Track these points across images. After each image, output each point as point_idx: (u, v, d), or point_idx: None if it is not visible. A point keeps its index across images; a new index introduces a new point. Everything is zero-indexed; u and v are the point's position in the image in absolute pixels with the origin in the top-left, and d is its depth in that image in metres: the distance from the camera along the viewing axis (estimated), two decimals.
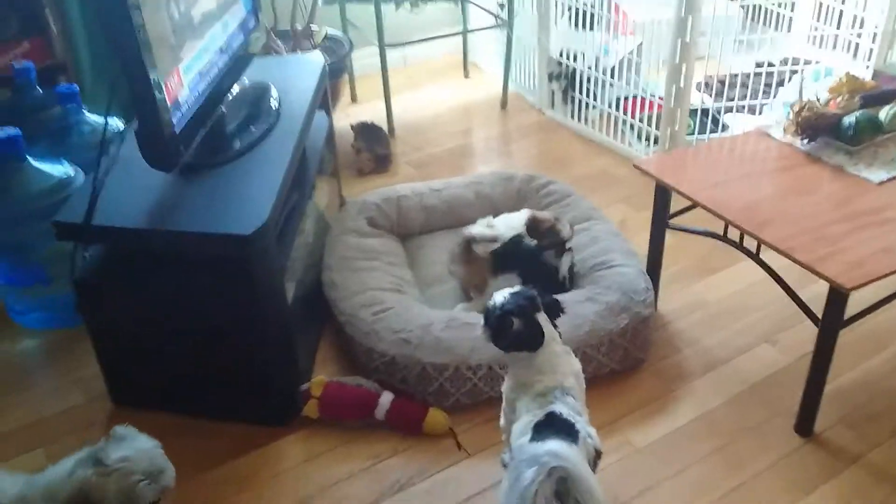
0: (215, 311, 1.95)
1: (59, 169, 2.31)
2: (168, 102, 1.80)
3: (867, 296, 1.96)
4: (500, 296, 1.71)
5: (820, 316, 1.92)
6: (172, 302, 1.96)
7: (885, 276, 1.80)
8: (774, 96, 3.25)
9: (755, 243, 2.09)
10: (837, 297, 1.83)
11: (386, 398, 2.05)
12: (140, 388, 2.12)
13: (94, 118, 2.58)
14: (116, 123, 2.50)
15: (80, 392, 2.21)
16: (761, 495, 1.89)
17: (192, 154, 1.95)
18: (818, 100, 2.32)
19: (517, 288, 1.75)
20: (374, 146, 3.24)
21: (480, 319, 1.76)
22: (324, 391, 2.06)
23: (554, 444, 1.49)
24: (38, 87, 2.63)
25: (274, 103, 2.32)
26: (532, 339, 1.69)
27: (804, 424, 2.05)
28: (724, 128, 3.29)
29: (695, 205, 2.16)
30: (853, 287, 1.76)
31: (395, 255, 2.53)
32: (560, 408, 1.62)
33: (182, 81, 1.91)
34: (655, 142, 3.21)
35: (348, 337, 2.22)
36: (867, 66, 3.20)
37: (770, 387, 2.21)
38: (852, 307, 1.89)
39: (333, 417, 2.07)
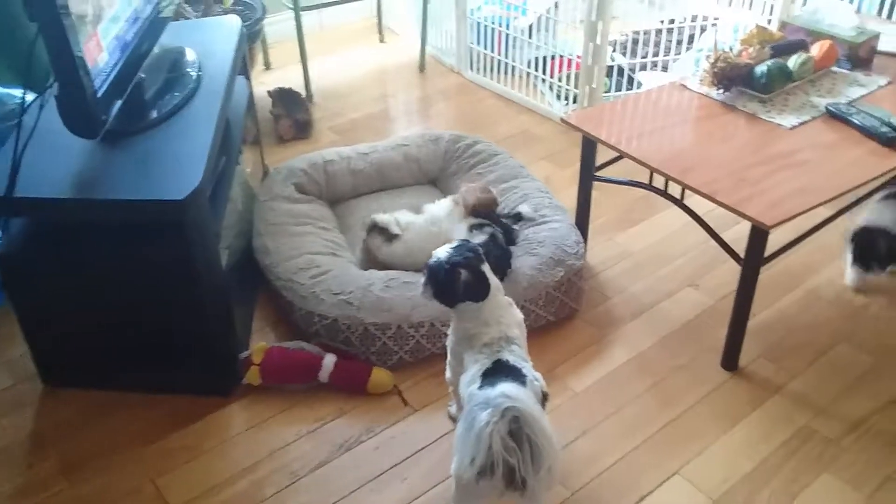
0: (149, 281, 1.89)
1: None
2: (89, 66, 1.73)
3: (781, 236, 2.08)
4: (443, 251, 1.73)
5: (742, 255, 2.02)
6: (103, 274, 1.90)
7: (802, 213, 1.91)
8: (687, 50, 3.36)
9: (679, 190, 2.17)
10: (759, 234, 1.93)
11: (329, 360, 2.05)
12: (72, 366, 2.05)
13: None
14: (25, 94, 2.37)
15: (6, 374, 2.12)
16: (694, 427, 1.99)
17: (115, 121, 1.88)
18: (731, 51, 2.42)
19: (456, 243, 1.77)
20: (294, 112, 3.19)
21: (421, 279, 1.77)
22: (265, 357, 2.04)
23: (505, 387, 1.53)
24: None
25: (194, 67, 2.25)
26: (480, 290, 1.71)
27: (729, 359, 2.16)
28: (639, 85, 3.38)
29: (621, 156, 2.23)
30: (774, 225, 1.86)
31: (327, 219, 2.52)
32: (507, 356, 1.67)
33: (101, 45, 1.83)
34: (574, 100, 3.28)
35: (286, 301, 2.20)
36: (769, 21, 3.34)
37: (695, 327, 2.31)
38: (769, 246, 2.00)
39: (276, 383, 2.06)
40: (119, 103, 1.89)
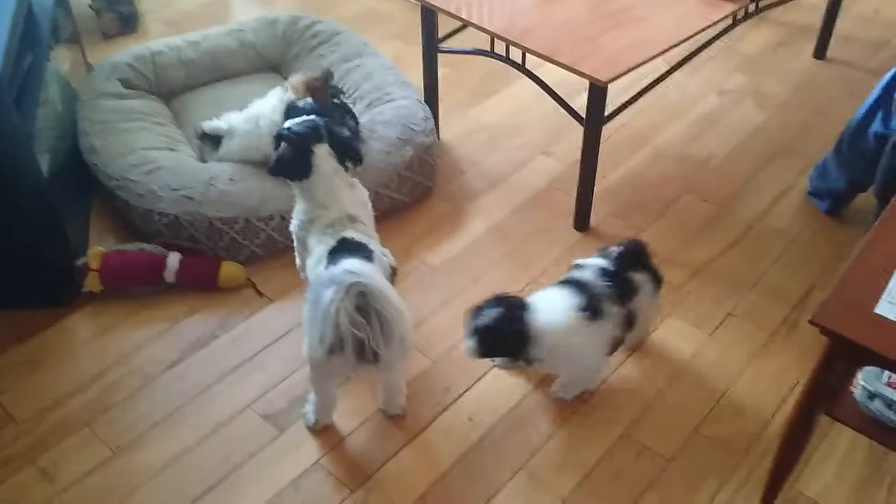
0: None
1: None
2: None
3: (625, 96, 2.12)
4: (291, 122, 1.67)
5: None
6: None
7: (637, 66, 1.92)
8: None
9: (522, 56, 2.15)
10: (597, 91, 1.94)
11: (173, 258, 1.96)
12: None
13: None
14: None
15: None
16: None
17: None
18: None
19: (308, 118, 1.70)
20: (116, 5, 2.94)
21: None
22: (103, 262, 1.93)
23: (349, 263, 1.50)
24: None
25: None
26: (296, 169, 1.65)
27: (581, 220, 2.21)
28: None
29: (463, 24, 2.17)
30: (610, 79, 1.87)
31: (160, 114, 2.36)
32: (350, 233, 1.63)
33: None
34: None
35: (122, 202, 2.07)
36: None
37: (549, 193, 2.35)
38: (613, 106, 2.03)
39: (119, 287, 1.96)
40: None
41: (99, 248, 1.96)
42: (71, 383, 1.79)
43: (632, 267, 1.70)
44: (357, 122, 2.20)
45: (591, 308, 1.63)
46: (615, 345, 1.72)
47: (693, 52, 2.27)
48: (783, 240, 2.18)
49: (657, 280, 1.76)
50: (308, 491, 1.61)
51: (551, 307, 1.64)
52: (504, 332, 1.60)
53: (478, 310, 1.63)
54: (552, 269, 2.09)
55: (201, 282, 1.99)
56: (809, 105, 2.68)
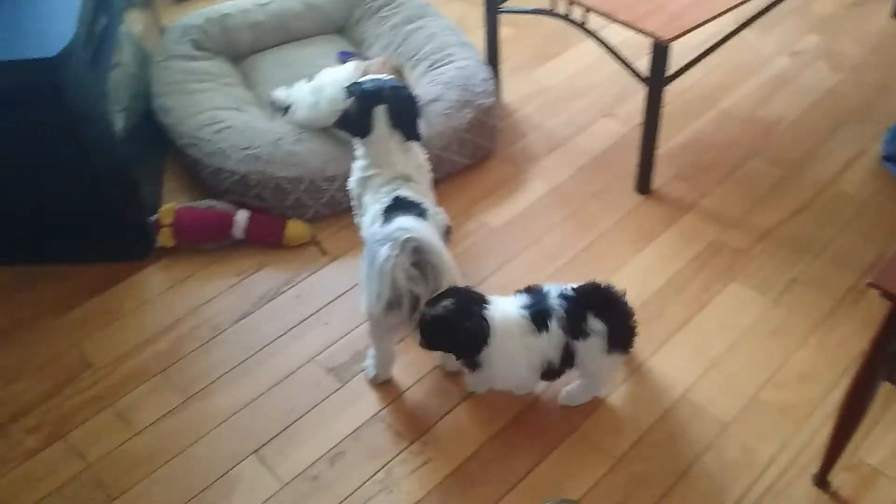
0: (35, 150, 1.81)
1: None
2: None
3: (688, 54, 2.07)
4: (365, 79, 1.71)
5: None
6: None
7: (701, 24, 1.88)
8: None
9: (589, 18, 2.12)
10: (660, 50, 1.90)
11: (242, 215, 2.03)
12: None
13: None
14: None
15: None
16: (609, 250, 2.04)
17: None
18: None
19: (382, 77, 1.73)
20: None
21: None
22: (175, 218, 2.01)
23: (401, 220, 1.52)
24: None
25: None
26: (357, 126, 1.69)
27: (643, 183, 2.19)
28: None
29: None
30: (672, 38, 1.84)
31: (229, 76, 2.42)
32: (404, 192, 1.65)
33: None
34: None
35: (192, 160, 2.14)
36: None
37: (611, 155, 2.33)
38: (676, 65, 2.00)
39: (190, 242, 2.03)
40: None
41: (171, 204, 2.04)
42: (145, 333, 1.88)
43: (590, 308, 1.56)
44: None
45: (537, 315, 1.55)
46: (550, 372, 1.60)
47: (762, 10, 2.21)
48: (853, 205, 2.12)
49: (618, 341, 1.58)
50: (368, 441, 1.66)
51: (503, 306, 1.57)
52: (466, 329, 1.51)
53: (432, 303, 1.52)
54: (612, 231, 2.09)
55: (267, 239, 2.05)
56: (885, 66, 2.58)
